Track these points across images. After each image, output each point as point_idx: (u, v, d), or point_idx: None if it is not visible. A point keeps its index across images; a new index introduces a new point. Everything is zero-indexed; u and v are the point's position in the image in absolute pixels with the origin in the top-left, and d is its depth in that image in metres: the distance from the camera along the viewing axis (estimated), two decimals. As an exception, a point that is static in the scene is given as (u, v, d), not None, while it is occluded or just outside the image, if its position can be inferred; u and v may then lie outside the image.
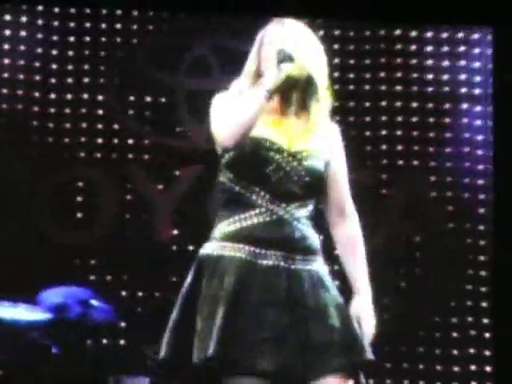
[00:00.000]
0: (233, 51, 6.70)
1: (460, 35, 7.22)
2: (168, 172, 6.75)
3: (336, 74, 6.95)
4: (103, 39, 7.07)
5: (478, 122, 7.17)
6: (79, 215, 6.73)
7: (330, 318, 3.29)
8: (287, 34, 3.44)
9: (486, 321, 6.85)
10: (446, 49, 7.28)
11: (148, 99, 6.84)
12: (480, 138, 7.12)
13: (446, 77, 7.24)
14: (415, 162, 7.14)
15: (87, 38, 6.92)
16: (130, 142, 6.77)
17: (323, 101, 3.40)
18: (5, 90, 7.11)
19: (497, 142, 6.42)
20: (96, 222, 6.77)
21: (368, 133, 7.25)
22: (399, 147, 7.28)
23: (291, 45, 3.34)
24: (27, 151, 6.73)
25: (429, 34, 7.24)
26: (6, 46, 7.11)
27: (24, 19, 6.96)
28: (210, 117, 3.37)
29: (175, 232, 6.76)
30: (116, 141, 6.77)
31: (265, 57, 3.38)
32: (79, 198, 6.76)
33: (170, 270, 6.51)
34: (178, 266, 6.31)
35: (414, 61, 7.23)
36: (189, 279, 3.29)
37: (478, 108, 7.14)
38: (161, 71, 6.91)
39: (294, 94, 3.36)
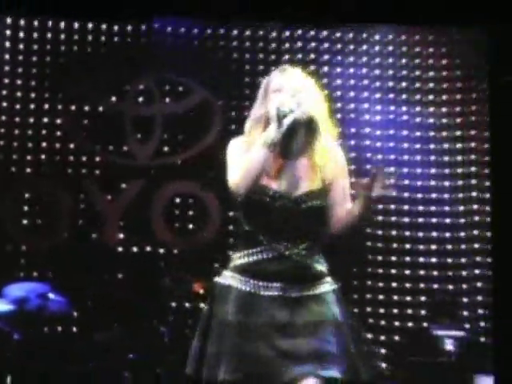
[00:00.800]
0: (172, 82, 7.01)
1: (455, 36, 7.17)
2: (115, 185, 6.92)
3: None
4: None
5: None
6: (39, 221, 6.90)
7: (323, 331, 3.49)
8: (288, 81, 3.57)
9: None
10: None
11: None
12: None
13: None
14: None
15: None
16: (84, 159, 6.89)
17: (324, 139, 3.55)
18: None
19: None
20: (54, 228, 6.93)
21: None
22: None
23: (292, 91, 3.53)
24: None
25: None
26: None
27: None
28: (226, 163, 3.54)
29: (121, 236, 6.93)
30: (72, 158, 6.89)
31: (271, 104, 3.51)
32: (38, 208, 6.93)
33: (117, 269, 6.66)
34: (123, 265, 6.76)
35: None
36: (207, 304, 3.53)
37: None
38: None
39: (295, 139, 3.52)
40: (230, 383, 3.40)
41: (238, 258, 3.51)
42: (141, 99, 7.04)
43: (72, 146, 7.00)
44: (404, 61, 7.59)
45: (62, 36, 7.21)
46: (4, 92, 7.10)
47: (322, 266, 3.58)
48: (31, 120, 6.97)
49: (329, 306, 3.54)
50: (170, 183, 6.90)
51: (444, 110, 7.30)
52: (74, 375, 6.15)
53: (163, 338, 6.12)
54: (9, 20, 7.24)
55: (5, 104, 7.07)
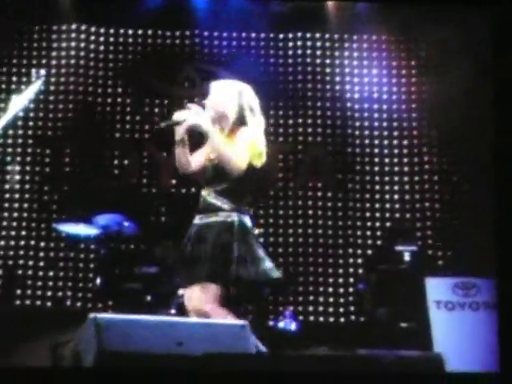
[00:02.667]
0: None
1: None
2: (168, 147, 7.13)
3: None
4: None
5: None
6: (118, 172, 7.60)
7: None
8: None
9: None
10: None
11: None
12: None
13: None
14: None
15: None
16: (146, 127, 7.65)
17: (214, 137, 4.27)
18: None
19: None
20: (128, 176, 7.60)
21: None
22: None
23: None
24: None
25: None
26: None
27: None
28: None
29: (173, 181, 7.60)
30: (138, 127, 7.66)
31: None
32: (117, 162, 7.65)
33: (169, 205, 7.41)
34: (174, 202, 7.53)
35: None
36: None
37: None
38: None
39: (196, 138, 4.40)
40: None
41: None
42: (186, 84, 7.76)
43: (138, 117, 7.71)
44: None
45: (130, 40, 7.84)
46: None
47: (220, 203, 4.36)
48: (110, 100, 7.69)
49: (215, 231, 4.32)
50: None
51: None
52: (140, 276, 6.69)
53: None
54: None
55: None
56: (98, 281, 6.59)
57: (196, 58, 7.79)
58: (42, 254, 7.27)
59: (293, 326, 6.82)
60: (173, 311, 6.46)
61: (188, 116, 4.38)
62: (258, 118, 4.50)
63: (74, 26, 7.82)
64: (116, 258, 6.83)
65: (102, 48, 7.85)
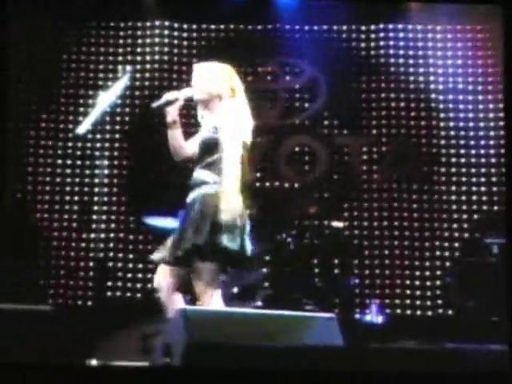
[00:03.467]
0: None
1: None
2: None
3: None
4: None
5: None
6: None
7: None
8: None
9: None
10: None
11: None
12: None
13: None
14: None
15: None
16: None
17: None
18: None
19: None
20: None
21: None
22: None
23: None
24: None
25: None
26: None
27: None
28: None
29: (258, 175, 7.51)
30: None
31: None
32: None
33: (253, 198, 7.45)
34: (259, 195, 7.31)
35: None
36: None
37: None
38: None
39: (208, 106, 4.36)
40: None
41: None
42: (268, 78, 7.80)
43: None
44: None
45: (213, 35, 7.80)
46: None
47: (203, 177, 4.31)
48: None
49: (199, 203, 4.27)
50: (290, 137, 7.71)
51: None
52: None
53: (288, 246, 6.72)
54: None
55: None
56: (186, 273, 6.55)
57: (278, 52, 7.74)
58: (131, 247, 7.30)
59: (379, 319, 6.72)
60: (259, 303, 6.40)
61: (179, 95, 4.34)
62: (243, 98, 4.55)
63: (157, 23, 7.79)
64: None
65: (185, 43, 7.84)
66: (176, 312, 4.78)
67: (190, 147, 4.47)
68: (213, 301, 4.51)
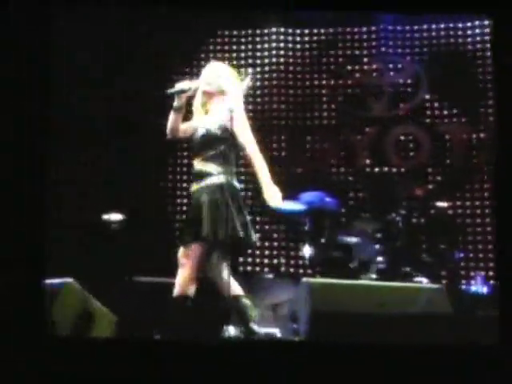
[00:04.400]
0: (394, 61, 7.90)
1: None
2: (362, 129, 7.71)
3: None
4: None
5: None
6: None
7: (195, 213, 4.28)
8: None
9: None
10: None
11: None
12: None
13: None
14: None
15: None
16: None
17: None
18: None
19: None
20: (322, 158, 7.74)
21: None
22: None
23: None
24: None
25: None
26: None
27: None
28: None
29: (367, 161, 7.67)
30: (333, 114, 7.75)
31: None
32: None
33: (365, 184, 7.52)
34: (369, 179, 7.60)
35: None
36: None
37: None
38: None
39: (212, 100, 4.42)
40: None
41: None
42: (374, 74, 7.88)
43: (333, 106, 7.82)
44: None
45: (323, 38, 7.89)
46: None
47: (209, 168, 4.34)
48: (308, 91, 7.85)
49: (205, 194, 4.30)
50: (396, 127, 7.77)
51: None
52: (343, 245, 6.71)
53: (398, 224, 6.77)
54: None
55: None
56: (307, 249, 6.72)
57: (383, 51, 7.83)
58: (258, 227, 7.45)
59: (484, 290, 6.72)
60: (373, 276, 6.53)
61: (191, 85, 4.39)
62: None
63: (273, 29, 8.03)
64: (321, 230, 6.90)
65: (298, 47, 8.02)
66: (301, 284, 5.01)
67: (183, 131, 4.52)
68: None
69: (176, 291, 4.28)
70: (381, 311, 4.59)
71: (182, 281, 4.26)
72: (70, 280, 4.54)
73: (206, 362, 3.67)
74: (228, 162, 4.39)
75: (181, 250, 4.35)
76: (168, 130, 4.47)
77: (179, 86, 4.38)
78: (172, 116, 4.44)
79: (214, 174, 4.36)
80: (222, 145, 4.37)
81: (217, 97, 4.50)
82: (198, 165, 4.42)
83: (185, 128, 4.51)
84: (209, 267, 4.35)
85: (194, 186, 4.42)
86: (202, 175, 4.39)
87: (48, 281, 4.37)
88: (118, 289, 5.40)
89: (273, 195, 4.33)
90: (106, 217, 6.59)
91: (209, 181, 4.35)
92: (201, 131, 4.46)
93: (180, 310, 4.28)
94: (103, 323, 4.57)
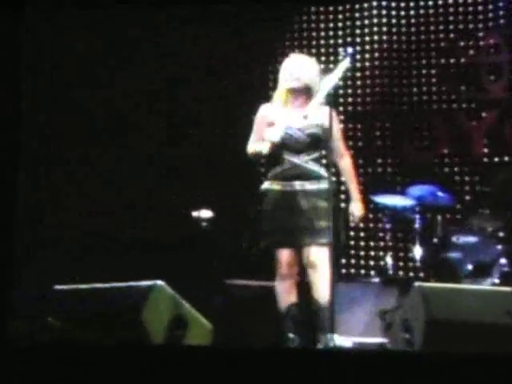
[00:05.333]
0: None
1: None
2: (478, 114, 7.57)
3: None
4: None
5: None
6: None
7: (317, 214, 4.56)
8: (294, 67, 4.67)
9: None
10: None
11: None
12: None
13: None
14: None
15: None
16: (453, 97, 7.59)
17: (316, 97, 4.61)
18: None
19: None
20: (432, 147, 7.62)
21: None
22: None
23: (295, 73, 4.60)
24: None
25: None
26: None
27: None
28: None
29: (485, 150, 7.49)
30: (445, 97, 7.59)
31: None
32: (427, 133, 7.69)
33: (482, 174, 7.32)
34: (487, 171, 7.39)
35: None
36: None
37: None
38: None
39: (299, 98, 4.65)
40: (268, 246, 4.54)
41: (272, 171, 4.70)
42: (491, 50, 7.65)
43: (444, 88, 7.66)
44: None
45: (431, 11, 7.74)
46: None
47: (321, 171, 4.64)
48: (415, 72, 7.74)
49: (325, 196, 4.54)
50: None
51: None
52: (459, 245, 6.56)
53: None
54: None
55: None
56: (418, 250, 6.62)
57: (499, 23, 7.56)
58: (361, 225, 7.35)
59: None
60: (496, 280, 6.33)
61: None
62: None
63: (374, 3, 7.90)
64: (433, 228, 6.81)
65: (403, 22, 7.85)
66: (413, 288, 4.91)
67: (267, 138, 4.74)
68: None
69: (284, 300, 4.53)
70: (508, 320, 4.48)
71: (290, 288, 4.53)
72: (160, 282, 4.56)
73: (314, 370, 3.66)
74: (330, 165, 4.60)
75: (284, 254, 4.59)
76: (252, 154, 4.75)
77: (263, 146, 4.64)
78: (263, 147, 4.68)
79: (324, 177, 4.63)
80: (319, 148, 4.66)
81: (303, 93, 4.69)
82: (308, 165, 4.66)
83: (269, 135, 4.70)
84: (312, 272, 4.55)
85: (304, 186, 4.65)
86: (314, 177, 4.66)
87: (135, 283, 4.44)
88: (210, 293, 5.44)
89: (355, 212, 4.77)
90: (195, 214, 6.68)
91: (321, 184, 4.63)
92: (298, 131, 4.64)
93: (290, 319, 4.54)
94: (198, 331, 4.57)
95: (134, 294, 4.38)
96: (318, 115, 4.65)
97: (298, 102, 4.71)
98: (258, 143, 4.68)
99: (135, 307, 4.30)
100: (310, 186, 4.66)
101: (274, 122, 4.67)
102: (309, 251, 4.59)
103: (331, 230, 4.37)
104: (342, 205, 5.17)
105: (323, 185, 4.61)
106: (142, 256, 6.36)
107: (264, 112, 4.75)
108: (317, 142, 4.66)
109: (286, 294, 4.58)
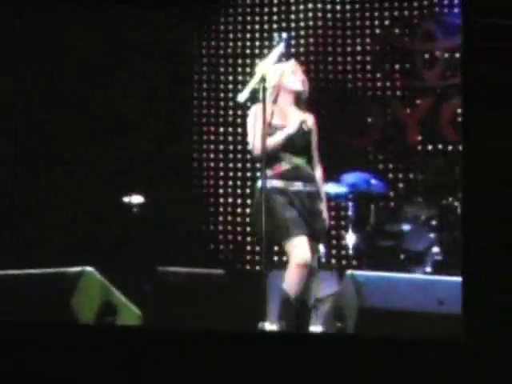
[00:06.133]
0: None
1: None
2: (412, 102, 7.69)
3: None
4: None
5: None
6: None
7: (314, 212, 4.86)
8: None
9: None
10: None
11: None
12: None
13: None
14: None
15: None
16: (388, 84, 7.72)
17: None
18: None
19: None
20: (369, 133, 7.76)
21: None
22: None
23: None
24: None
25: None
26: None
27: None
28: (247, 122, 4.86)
29: (419, 138, 7.64)
30: (379, 84, 7.71)
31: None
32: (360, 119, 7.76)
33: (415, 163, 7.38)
34: (422, 160, 7.44)
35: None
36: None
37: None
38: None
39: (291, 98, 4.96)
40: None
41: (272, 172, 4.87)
42: (426, 38, 7.70)
43: (379, 75, 7.79)
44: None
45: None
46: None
47: (315, 173, 4.98)
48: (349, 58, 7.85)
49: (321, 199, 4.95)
50: (453, 98, 7.53)
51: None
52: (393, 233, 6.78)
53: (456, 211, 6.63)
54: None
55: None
56: (351, 238, 6.74)
57: (436, 11, 7.71)
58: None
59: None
60: (428, 269, 6.47)
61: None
62: None
63: (309, -12, 7.89)
64: (366, 216, 6.93)
65: (338, 8, 7.93)
66: (346, 277, 5.02)
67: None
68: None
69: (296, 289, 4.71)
70: (440, 309, 4.59)
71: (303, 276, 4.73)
72: (89, 269, 4.60)
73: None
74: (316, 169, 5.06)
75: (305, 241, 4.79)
76: (260, 153, 4.80)
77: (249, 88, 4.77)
78: (276, 142, 4.89)
79: (317, 180, 4.99)
80: (308, 149, 4.96)
81: (298, 97, 5.04)
82: (306, 167, 4.93)
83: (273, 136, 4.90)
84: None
85: (305, 187, 4.91)
86: (312, 179, 4.95)
87: (64, 269, 4.48)
88: (141, 280, 5.49)
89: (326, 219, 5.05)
90: (126, 199, 6.67)
91: (316, 187, 4.95)
92: (297, 133, 4.91)
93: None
94: (127, 317, 4.65)
95: (64, 280, 4.42)
96: (309, 120, 4.99)
97: (288, 102, 5.01)
98: (267, 140, 4.80)
99: (65, 293, 4.34)
100: (310, 187, 4.94)
101: (273, 122, 4.89)
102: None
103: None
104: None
105: (316, 187, 4.95)
106: (72, 242, 6.38)
107: (259, 112, 4.83)
108: (309, 146, 4.93)
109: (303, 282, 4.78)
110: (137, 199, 6.84)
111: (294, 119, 4.97)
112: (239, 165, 8.02)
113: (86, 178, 7.12)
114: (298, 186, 4.92)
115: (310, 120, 4.99)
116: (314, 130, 4.99)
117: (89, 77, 7.38)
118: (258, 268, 7.09)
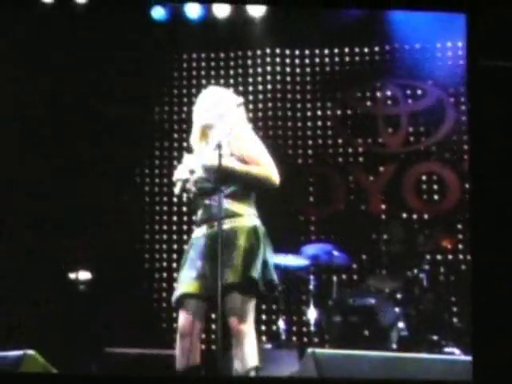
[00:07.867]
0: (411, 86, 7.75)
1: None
2: (375, 168, 7.77)
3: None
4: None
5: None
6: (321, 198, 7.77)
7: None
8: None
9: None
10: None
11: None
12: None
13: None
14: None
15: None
16: (350, 150, 7.84)
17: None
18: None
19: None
20: (332, 202, 7.79)
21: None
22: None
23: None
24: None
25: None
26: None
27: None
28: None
29: (383, 206, 7.71)
30: (341, 150, 7.82)
31: None
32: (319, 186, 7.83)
33: (380, 232, 7.39)
34: (386, 228, 7.47)
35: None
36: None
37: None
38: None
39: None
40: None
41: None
42: (389, 102, 7.92)
43: (340, 141, 7.89)
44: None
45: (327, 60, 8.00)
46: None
47: (235, 208, 4.56)
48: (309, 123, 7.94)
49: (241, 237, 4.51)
50: (417, 165, 7.76)
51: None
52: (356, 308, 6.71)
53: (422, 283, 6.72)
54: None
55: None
56: (312, 313, 6.78)
57: (398, 74, 7.87)
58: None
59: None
60: (393, 345, 6.56)
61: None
62: None
63: (268, 51, 8.12)
64: (328, 290, 6.99)
65: (297, 70, 8.11)
66: (306, 355, 5.07)
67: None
68: (249, 339, 4.54)
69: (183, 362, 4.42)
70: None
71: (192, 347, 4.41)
72: (31, 352, 4.55)
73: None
74: (250, 201, 4.64)
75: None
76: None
77: (177, 175, 4.59)
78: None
79: (243, 214, 4.55)
80: (235, 182, 4.54)
81: (218, 125, 4.65)
82: (226, 204, 4.51)
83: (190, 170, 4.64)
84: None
85: (222, 225, 4.44)
86: (231, 215, 4.53)
87: (3, 353, 4.45)
88: (88, 360, 5.46)
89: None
90: (72, 276, 6.63)
91: (238, 223, 4.52)
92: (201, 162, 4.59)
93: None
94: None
95: (5, 365, 4.38)
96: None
97: (213, 133, 4.72)
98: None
99: (5, 379, 4.26)
100: (225, 225, 4.54)
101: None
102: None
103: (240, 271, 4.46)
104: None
105: (240, 223, 4.59)
106: (12, 324, 6.32)
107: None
108: (230, 176, 4.60)
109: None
110: (84, 275, 6.80)
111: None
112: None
113: (30, 254, 7.10)
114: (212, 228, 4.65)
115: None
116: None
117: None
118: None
